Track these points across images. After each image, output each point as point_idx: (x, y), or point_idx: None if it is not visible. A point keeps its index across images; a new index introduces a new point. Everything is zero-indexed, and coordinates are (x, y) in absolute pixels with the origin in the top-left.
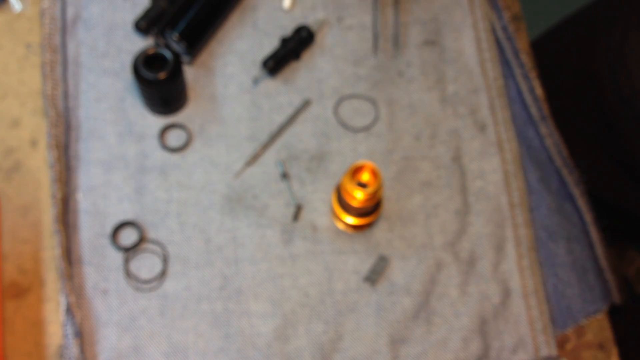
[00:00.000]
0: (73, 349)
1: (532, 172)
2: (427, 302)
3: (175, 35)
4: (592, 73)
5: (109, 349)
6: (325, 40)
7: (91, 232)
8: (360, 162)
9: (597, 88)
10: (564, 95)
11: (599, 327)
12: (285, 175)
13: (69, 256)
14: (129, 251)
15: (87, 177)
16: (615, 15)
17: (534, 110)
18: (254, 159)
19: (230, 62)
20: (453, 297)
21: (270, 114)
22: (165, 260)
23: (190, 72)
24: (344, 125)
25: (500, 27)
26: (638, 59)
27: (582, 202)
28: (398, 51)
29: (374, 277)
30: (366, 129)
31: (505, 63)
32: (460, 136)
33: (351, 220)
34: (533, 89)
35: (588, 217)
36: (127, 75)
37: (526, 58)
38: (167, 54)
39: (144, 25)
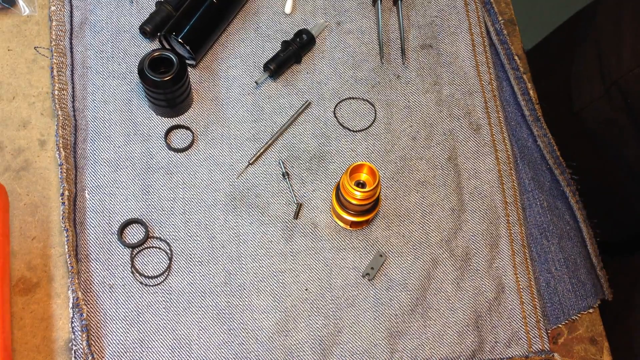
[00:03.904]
0: (80, 343)
1: (525, 172)
2: (423, 297)
3: (179, 39)
4: (559, 86)
5: (115, 342)
6: (325, 44)
7: (98, 229)
8: (359, 162)
9: (560, 101)
10: (556, 98)
11: (590, 321)
12: (286, 175)
13: (77, 253)
14: (135, 248)
15: (95, 177)
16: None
17: (527, 112)
18: (256, 158)
19: (233, 65)
20: (448, 293)
21: (271, 116)
22: (170, 256)
23: (194, 75)
24: (343, 126)
25: (495, 31)
26: (585, 76)
27: (573, 201)
28: (404, 58)
29: (372, 273)
30: (365, 129)
31: (499, 66)
32: (455, 137)
33: (350, 218)
34: (527, 90)
35: (580, 215)
36: (133, 78)
37: (520, 61)
38: (172, 57)
39: (149, 29)
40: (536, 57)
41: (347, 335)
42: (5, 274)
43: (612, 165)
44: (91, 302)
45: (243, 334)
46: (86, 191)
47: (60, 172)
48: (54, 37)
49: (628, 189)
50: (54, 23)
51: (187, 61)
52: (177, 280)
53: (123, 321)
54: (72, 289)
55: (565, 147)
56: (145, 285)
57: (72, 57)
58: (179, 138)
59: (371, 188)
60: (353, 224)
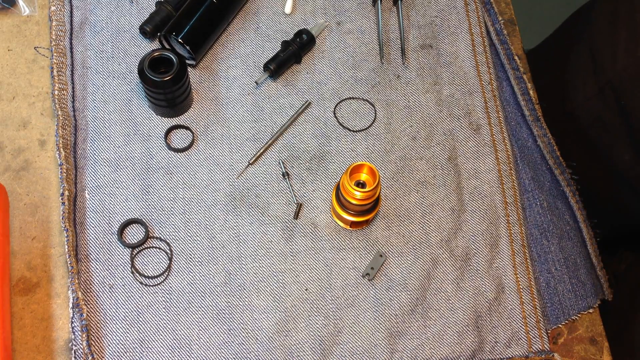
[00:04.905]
0: (80, 343)
1: (525, 172)
2: (423, 297)
3: (179, 39)
4: (555, 85)
5: (115, 342)
6: (325, 44)
7: (98, 229)
8: (359, 162)
9: (557, 100)
10: (556, 98)
11: (590, 321)
12: (286, 175)
13: (77, 253)
14: (135, 248)
15: (95, 177)
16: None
17: (527, 112)
18: (256, 158)
19: (233, 65)
20: (448, 293)
21: (271, 116)
22: (170, 256)
23: (194, 75)
24: (343, 126)
25: (495, 31)
26: (579, 76)
27: (574, 201)
28: (405, 58)
29: (372, 273)
30: (365, 129)
31: (499, 66)
32: (455, 137)
33: (350, 218)
34: (527, 90)
35: (580, 215)
36: (133, 78)
37: (520, 61)
38: (172, 57)
39: (149, 29)
40: (537, 57)
41: (347, 336)
42: (5, 274)
43: (603, 165)
44: (91, 302)
45: (243, 334)
46: (86, 191)
47: (60, 172)
48: (54, 37)
49: (618, 187)
50: (54, 23)
51: (187, 61)
52: (177, 280)
53: (123, 321)
54: (72, 289)
55: (565, 147)
56: (145, 285)
57: (72, 57)
58: (179, 138)
59: (371, 188)
60: (353, 224)
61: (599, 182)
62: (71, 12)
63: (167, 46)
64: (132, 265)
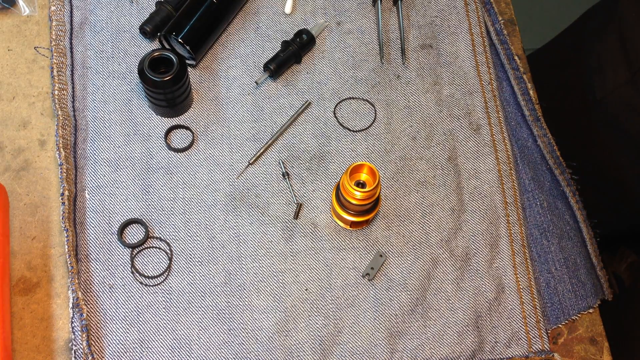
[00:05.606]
0: (80, 343)
1: (525, 172)
2: (423, 297)
3: (179, 39)
4: (576, 79)
5: (115, 342)
6: (325, 44)
7: (98, 229)
8: (359, 162)
9: (579, 93)
10: (556, 100)
11: (590, 321)
12: (286, 175)
13: (77, 253)
14: (135, 248)
15: (95, 177)
16: (598, 26)
17: (527, 112)
18: (256, 158)
19: (233, 65)
20: (448, 293)
21: (271, 116)
22: (170, 256)
23: (194, 75)
24: (343, 126)
25: (495, 31)
26: (612, 63)
27: (573, 201)
28: (404, 58)
29: (372, 273)
30: (365, 129)
31: (499, 66)
32: (455, 137)
33: (350, 218)
34: (527, 90)
35: (580, 215)
36: (133, 78)
37: (520, 61)
38: (172, 57)
39: (149, 29)
40: (542, 58)
41: (347, 336)
42: (5, 274)
43: (630, 152)
44: (91, 302)
45: (243, 334)
46: (86, 191)
47: (60, 172)
48: (54, 37)
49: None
50: (54, 23)
51: (187, 61)
52: (177, 280)
53: (123, 321)
54: (72, 289)
55: (566, 147)
56: (145, 285)
57: (72, 57)
58: (179, 138)
59: (371, 188)
60: (353, 224)
61: (620, 171)
62: (71, 12)
63: (167, 46)
64: (132, 265)
